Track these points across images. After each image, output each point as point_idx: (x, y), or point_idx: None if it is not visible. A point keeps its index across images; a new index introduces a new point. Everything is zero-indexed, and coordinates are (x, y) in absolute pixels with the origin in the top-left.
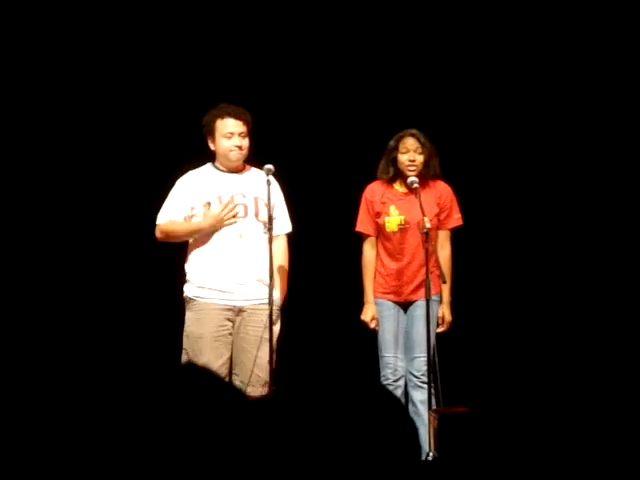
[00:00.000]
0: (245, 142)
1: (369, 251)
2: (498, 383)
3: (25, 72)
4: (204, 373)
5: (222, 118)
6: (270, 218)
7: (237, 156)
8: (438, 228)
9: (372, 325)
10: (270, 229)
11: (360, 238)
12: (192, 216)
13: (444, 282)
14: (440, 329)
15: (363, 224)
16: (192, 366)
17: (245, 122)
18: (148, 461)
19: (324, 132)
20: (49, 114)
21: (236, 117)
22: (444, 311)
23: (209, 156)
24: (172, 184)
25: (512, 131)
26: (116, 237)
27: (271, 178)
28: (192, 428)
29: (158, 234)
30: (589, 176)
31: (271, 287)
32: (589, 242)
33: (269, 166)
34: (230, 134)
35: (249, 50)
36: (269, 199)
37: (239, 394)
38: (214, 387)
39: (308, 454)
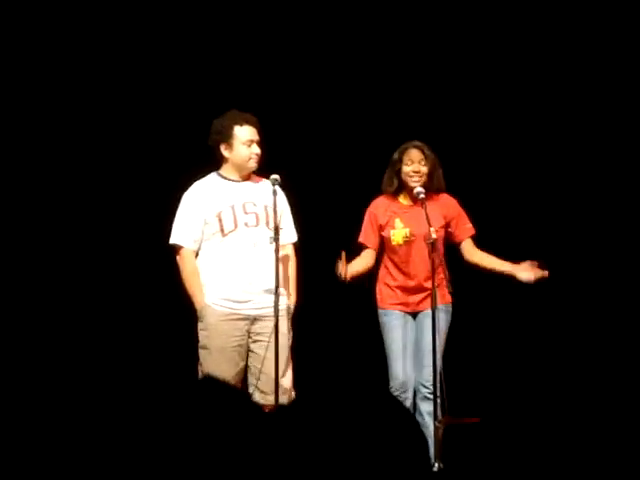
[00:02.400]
0: (259, 150)
1: (365, 256)
2: (504, 395)
3: (19, 87)
4: (223, 386)
5: (240, 125)
6: (277, 228)
7: (255, 164)
8: (453, 241)
9: (342, 271)
10: (277, 239)
11: (360, 249)
12: (206, 227)
13: (450, 292)
14: (540, 273)
15: (365, 236)
16: (210, 379)
17: (259, 130)
18: (168, 473)
19: (333, 145)
20: (53, 126)
21: (253, 125)
22: (527, 274)
23: (207, 164)
24: (174, 186)
25: (514, 143)
26: (124, 248)
27: (277, 188)
28: (210, 439)
29: (177, 258)
30: (590, 186)
31: (277, 295)
32: (595, 248)
33: (275, 176)
34: (250, 142)
35: (252, 60)
36: (275, 208)
37: (254, 405)
38: (231, 399)
39: (317, 465)
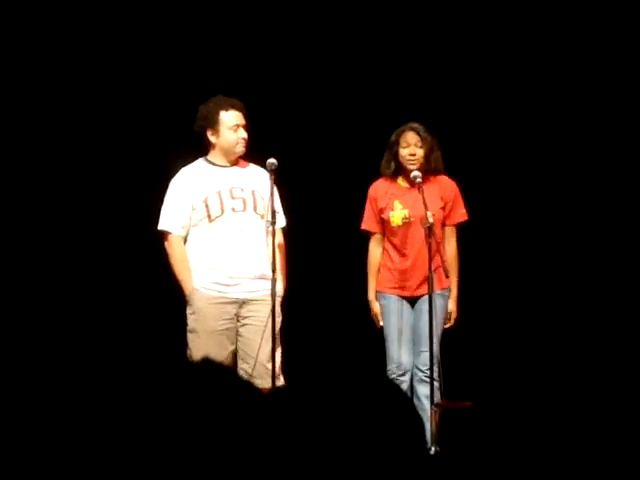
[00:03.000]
0: (246, 134)
1: (374, 249)
2: (501, 378)
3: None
4: (219, 368)
5: (226, 110)
6: (273, 212)
7: (242, 149)
8: (443, 224)
9: (379, 323)
10: (273, 222)
11: (367, 237)
12: (193, 213)
13: (447, 276)
14: (447, 325)
15: (367, 222)
16: (207, 362)
17: (245, 114)
18: (163, 458)
19: (332, 127)
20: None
21: (239, 109)
22: (451, 307)
23: (195, 150)
24: (163, 172)
25: (515, 125)
26: (112, 234)
27: (266, 172)
28: (206, 423)
29: (165, 244)
30: (592, 169)
31: (274, 280)
32: (594, 235)
33: (272, 160)
34: (236, 126)
35: (247, 45)
36: (272, 193)
37: (251, 388)
38: (227, 381)
39: (314, 448)
